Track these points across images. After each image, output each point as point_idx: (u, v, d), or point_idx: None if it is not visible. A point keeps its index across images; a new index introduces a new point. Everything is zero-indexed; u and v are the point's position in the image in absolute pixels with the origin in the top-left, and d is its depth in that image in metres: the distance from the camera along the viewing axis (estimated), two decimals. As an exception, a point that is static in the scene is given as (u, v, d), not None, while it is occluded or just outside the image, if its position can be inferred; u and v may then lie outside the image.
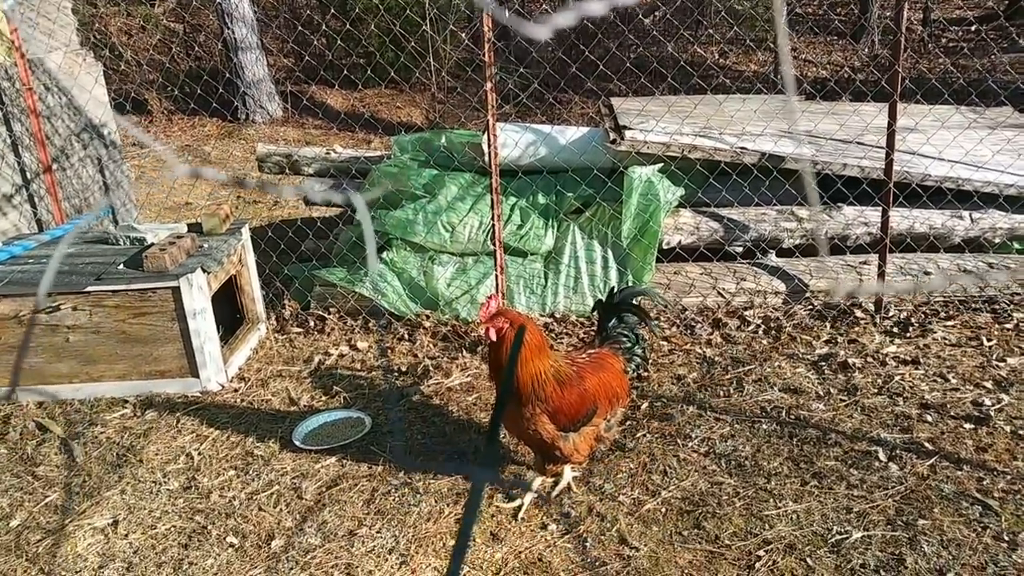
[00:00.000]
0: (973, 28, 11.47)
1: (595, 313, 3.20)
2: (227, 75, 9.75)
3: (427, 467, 3.18)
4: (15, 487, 3.19)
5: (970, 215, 4.47)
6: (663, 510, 2.86)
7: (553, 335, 4.22)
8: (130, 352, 3.75)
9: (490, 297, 2.73)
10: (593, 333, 3.24)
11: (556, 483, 2.97)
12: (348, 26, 6.47)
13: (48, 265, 3.85)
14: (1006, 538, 2.63)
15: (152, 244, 3.95)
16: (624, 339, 3.07)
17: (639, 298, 3.18)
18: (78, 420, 3.64)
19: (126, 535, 2.87)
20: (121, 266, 3.82)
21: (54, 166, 4.84)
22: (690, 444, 3.24)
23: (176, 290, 3.64)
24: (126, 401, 3.76)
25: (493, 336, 2.69)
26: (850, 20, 12.12)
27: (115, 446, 3.43)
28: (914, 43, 10.64)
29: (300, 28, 7.96)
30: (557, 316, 4.42)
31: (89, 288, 3.65)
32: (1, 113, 4.67)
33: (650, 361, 3.26)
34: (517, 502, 2.89)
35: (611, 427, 2.94)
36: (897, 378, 3.63)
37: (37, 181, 4.86)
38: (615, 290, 3.17)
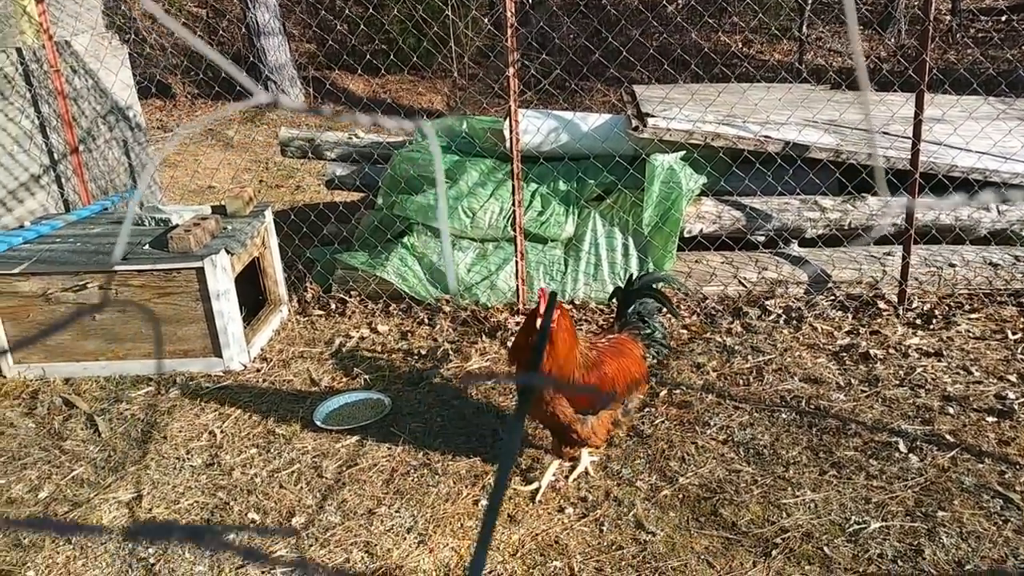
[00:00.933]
0: (1003, 18, 11.27)
1: (614, 300, 3.21)
2: (250, 59, 9.80)
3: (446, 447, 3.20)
4: (43, 460, 3.25)
5: (997, 207, 4.41)
6: (680, 496, 2.87)
7: (573, 321, 4.22)
8: (155, 331, 3.80)
9: (542, 292, 2.67)
10: (612, 319, 3.25)
11: (574, 467, 2.99)
12: (371, 11, 6.49)
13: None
14: (1027, 531, 2.61)
15: (177, 225, 3.99)
16: (643, 325, 3.07)
17: (658, 284, 3.18)
18: (104, 397, 3.70)
19: (150, 509, 2.93)
20: (147, 246, 3.86)
21: (80, 147, 4.90)
22: (708, 432, 3.24)
23: (200, 271, 3.68)
24: (151, 379, 3.82)
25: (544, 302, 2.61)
26: (876, 9, 11.96)
27: (140, 423, 3.49)
28: (942, 33, 10.48)
29: (323, 13, 7.98)
30: (577, 303, 4.43)
31: (116, 267, 3.70)
32: (30, 94, 4.73)
33: (670, 348, 3.26)
34: (534, 485, 2.91)
35: (629, 412, 2.95)
36: (919, 370, 3.61)
37: (64, 162, 4.92)
38: (634, 276, 3.17)
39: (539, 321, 2.69)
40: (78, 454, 3.29)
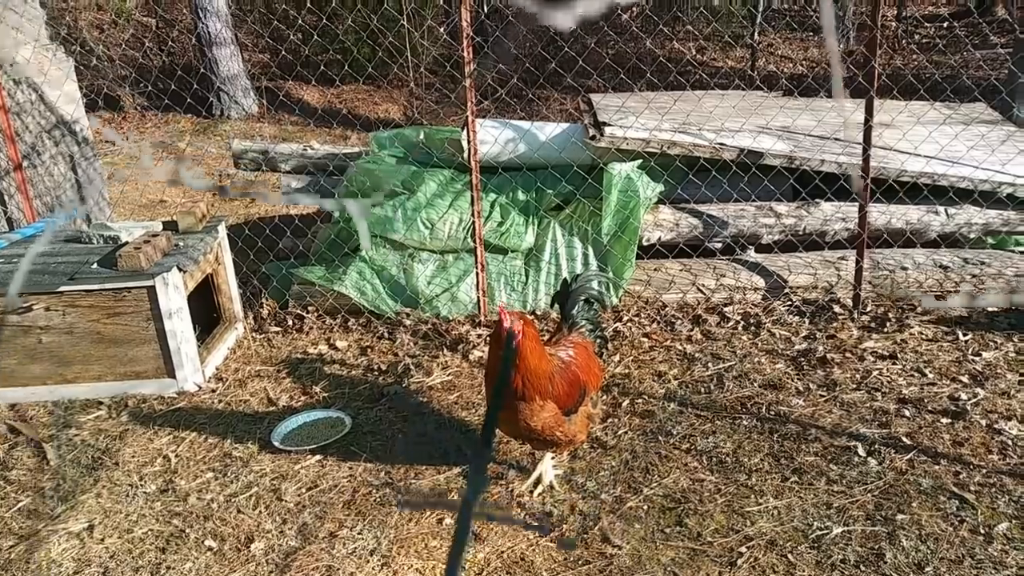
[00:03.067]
0: (946, 24, 11.60)
1: (555, 306, 3.24)
2: (201, 70, 9.62)
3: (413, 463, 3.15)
4: (-13, 492, 3.12)
5: (946, 210, 4.52)
6: (645, 507, 2.86)
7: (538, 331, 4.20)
8: (105, 353, 3.68)
9: (501, 311, 2.65)
10: (559, 323, 3.24)
11: (538, 482, 2.96)
12: (324, 21, 6.41)
13: (19, 265, 3.77)
14: (982, 531, 2.66)
15: (126, 243, 3.88)
16: (584, 323, 3.10)
17: (590, 283, 3.20)
18: (52, 423, 3.58)
19: (102, 539, 2.82)
20: (95, 265, 3.75)
21: (24, 163, 4.74)
22: (671, 441, 3.24)
23: (151, 289, 3.58)
24: (101, 403, 3.70)
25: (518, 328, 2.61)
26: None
27: (90, 448, 3.37)
28: (889, 39, 10.75)
29: (276, 23, 7.87)
30: (539, 313, 4.41)
31: (62, 288, 3.58)
32: (-31, 109, 4.56)
33: (607, 339, 3.30)
34: (539, 488, 2.93)
35: (596, 403, 3.00)
36: (875, 373, 3.67)
37: (7, 179, 4.76)
38: (568, 280, 3.19)
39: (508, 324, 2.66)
40: (25, 484, 3.17)
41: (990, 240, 4.66)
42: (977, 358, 3.76)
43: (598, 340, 3.16)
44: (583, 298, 3.13)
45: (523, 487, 2.95)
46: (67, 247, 4.05)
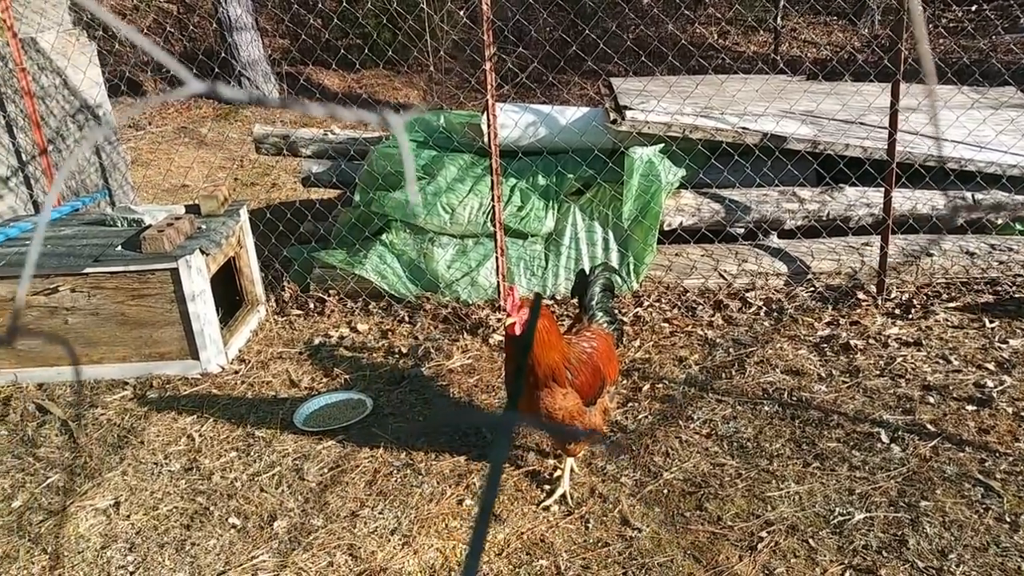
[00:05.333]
0: (975, 8, 11.38)
1: (574, 297, 3.21)
2: (222, 55, 9.65)
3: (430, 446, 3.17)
4: (16, 468, 3.18)
5: (972, 196, 4.45)
6: (665, 491, 2.86)
7: (556, 317, 4.20)
8: (129, 334, 3.73)
9: (511, 289, 2.67)
10: (578, 312, 3.22)
11: (552, 492, 2.91)
12: (345, 5, 6.41)
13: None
14: (1008, 519, 2.63)
15: (150, 226, 3.92)
16: (602, 314, 3.09)
17: (607, 275, 3.18)
18: (78, 402, 3.63)
19: (128, 516, 2.87)
20: (119, 248, 3.79)
21: (50, 147, 4.80)
22: (692, 425, 3.23)
23: (175, 272, 3.61)
24: (126, 383, 3.75)
25: (518, 330, 2.64)
26: (850, 0, 12.03)
27: (116, 428, 3.42)
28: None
29: (296, 7, 7.88)
30: (558, 298, 4.41)
31: (87, 270, 3.62)
32: (-5, 93, 4.62)
33: (623, 331, 3.27)
34: (559, 492, 2.84)
35: (613, 396, 2.97)
36: (899, 360, 3.63)
37: (33, 163, 4.81)
38: (586, 271, 3.16)
39: (511, 322, 2.63)
40: (53, 461, 3.22)
41: (1019, 226, 4.58)
42: (1004, 345, 3.71)
43: (615, 331, 3.15)
44: (600, 289, 3.12)
45: (549, 500, 2.84)
46: (92, 229, 4.09)
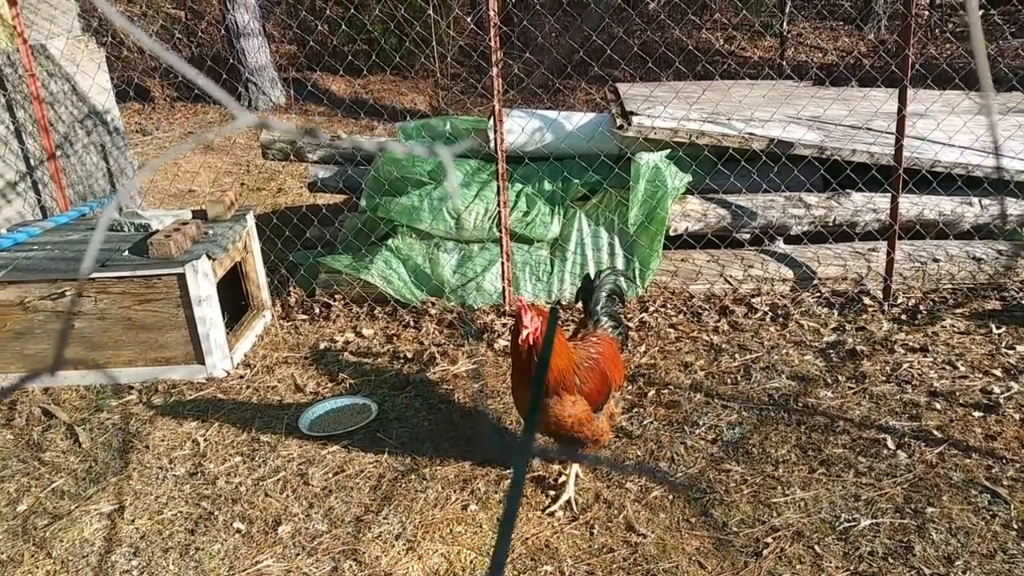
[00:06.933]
0: (982, 12, 11.35)
1: (579, 302, 3.21)
2: (230, 62, 9.70)
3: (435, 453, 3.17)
4: (21, 472, 3.19)
5: (980, 201, 4.43)
6: (670, 497, 2.85)
7: (560, 322, 4.20)
8: (136, 339, 3.74)
9: (520, 305, 2.65)
10: (583, 317, 3.22)
11: (557, 498, 2.89)
12: (352, 11, 6.43)
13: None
14: (1015, 526, 2.62)
15: (157, 231, 3.93)
16: (607, 319, 3.08)
17: (613, 280, 3.17)
18: (84, 406, 3.64)
19: (132, 520, 2.87)
20: (126, 253, 3.80)
21: (58, 153, 4.82)
22: (697, 431, 3.22)
23: (181, 277, 3.63)
24: (132, 387, 3.76)
25: (532, 340, 2.62)
26: (857, 5, 12.02)
27: (121, 432, 3.43)
28: (922, 27, 10.54)
29: (303, 14, 7.91)
30: (564, 303, 4.40)
31: (94, 275, 3.64)
32: (4, 99, 4.65)
33: (628, 336, 3.25)
34: (564, 498, 2.83)
35: (618, 401, 2.96)
36: (905, 366, 3.61)
37: (41, 168, 4.84)
38: (591, 276, 3.16)
39: (523, 331, 2.63)
40: (58, 465, 3.23)
41: (1026, 232, 4.56)
42: (1011, 351, 3.70)
43: (620, 336, 3.14)
44: (606, 294, 3.11)
45: (554, 506, 2.83)
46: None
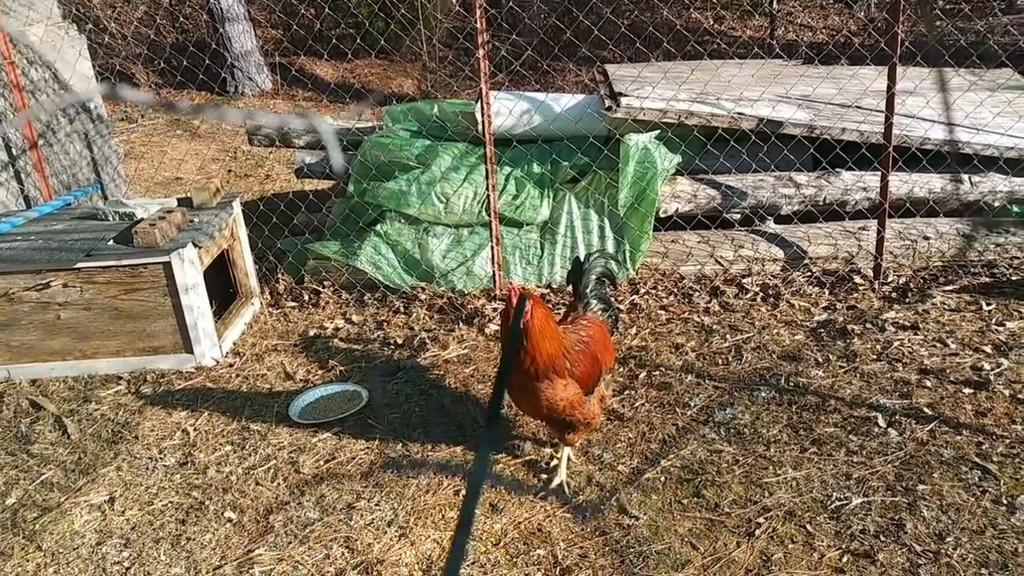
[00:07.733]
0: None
1: (570, 285, 3.19)
2: (214, 47, 9.58)
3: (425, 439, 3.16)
4: (10, 465, 3.16)
5: (969, 178, 4.42)
6: (662, 479, 2.85)
7: (551, 305, 4.18)
8: (123, 328, 3.71)
9: (510, 289, 2.62)
10: (572, 300, 3.20)
11: (550, 481, 2.90)
12: (337, -6, 6.37)
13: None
14: (1005, 501, 2.63)
15: (142, 219, 3.89)
16: (597, 302, 3.07)
17: (603, 263, 3.15)
18: (72, 397, 3.61)
19: (123, 512, 2.86)
20: (111, 242, 3.76)
21: (40, 142, 4.76)
22: (689, 412, 3.22)
23: (167, 265, 3.59)
24: (120, 377, 3.73)
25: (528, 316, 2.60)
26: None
27: (110, 423, 3.40)
28: (912, 4, 10.49)
29: (288, -3, 7.81)
30: (554, 287, 4.39)
31: (79, 264, 3.59)
32: (-16, 87, 4.58)
33: (617, 318, 3.23)
34: (556, 481, 2.81)
35: (609, 384, 2.95)
36: (896, 344, 3.62)
37: (24, 157, 4.78)
38: (581, 259, 3.13)
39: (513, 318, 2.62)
40: (47, 457, 3.21)
41: (1015, 208, 4.56)
42: (1001, 328, 3.70)
43: (610, 319, 3.13)
44: (595, 277, 3.09)
45: (551, 486, 2.83)
46: (83, 224, 4.06)
